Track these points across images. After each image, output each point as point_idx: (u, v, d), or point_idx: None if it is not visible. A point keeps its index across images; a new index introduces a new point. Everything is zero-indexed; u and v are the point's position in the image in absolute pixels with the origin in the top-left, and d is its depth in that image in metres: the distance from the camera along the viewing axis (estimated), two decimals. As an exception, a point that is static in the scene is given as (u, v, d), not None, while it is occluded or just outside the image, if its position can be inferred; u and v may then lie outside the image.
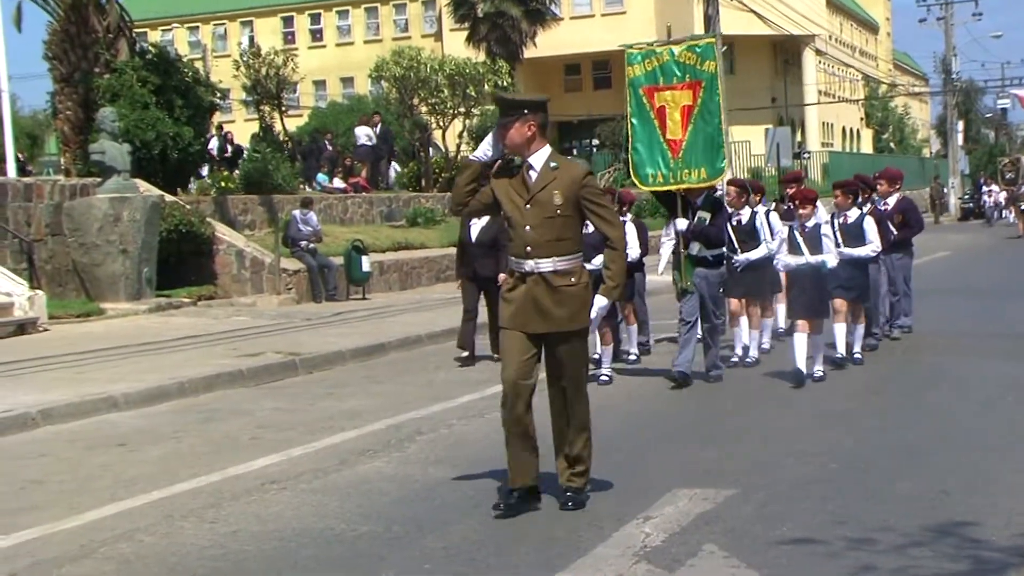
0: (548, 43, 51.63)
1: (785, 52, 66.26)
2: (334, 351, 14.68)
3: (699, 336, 12.56)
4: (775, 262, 12.86)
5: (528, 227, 7.39)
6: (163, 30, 68.45)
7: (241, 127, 49.58)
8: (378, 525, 7.31)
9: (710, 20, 35.72)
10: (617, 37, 60.83)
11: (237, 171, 29.78)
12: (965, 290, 21.92)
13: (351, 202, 30.03)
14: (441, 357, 14.53)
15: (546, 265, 7.38)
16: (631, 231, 13.37)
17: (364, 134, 33.88)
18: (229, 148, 35.03)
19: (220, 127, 36.08)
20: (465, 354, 14.32)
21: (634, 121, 12.64)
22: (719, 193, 13.67)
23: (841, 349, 12.91)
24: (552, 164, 7.48)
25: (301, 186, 30.42)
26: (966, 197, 60.63)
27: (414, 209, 30.98)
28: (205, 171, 30.52)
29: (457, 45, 47.99)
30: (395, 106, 36.28)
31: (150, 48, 29.34)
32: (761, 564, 6.23)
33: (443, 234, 28.56)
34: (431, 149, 36.85)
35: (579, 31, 61.24)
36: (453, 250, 16.57)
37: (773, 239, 13.46)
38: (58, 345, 15.85)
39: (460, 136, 36.28)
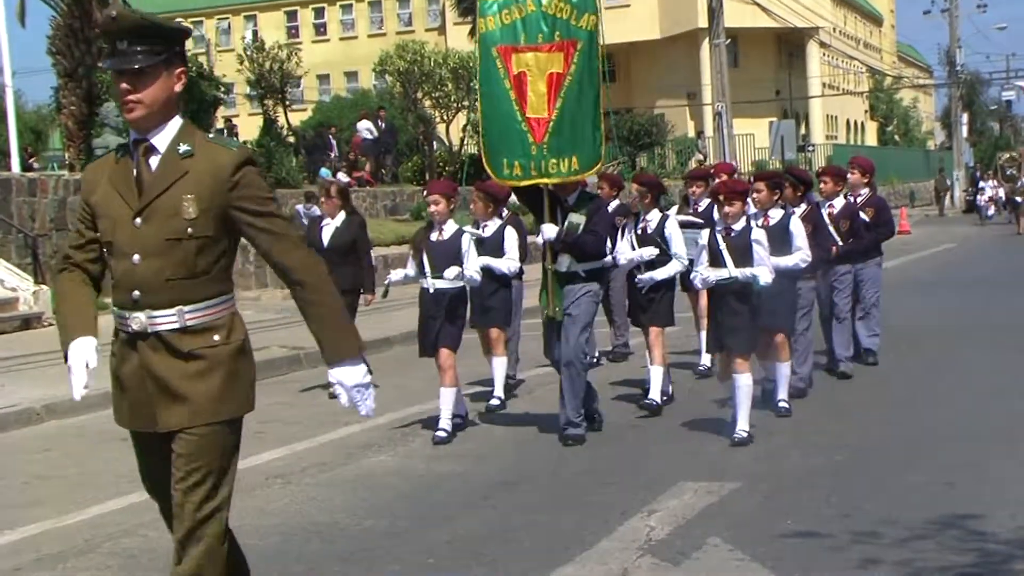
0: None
1: (789, 45, 66.18)
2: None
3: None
4: (692, 276, 9.77)
5: (137, 256, 4.41)
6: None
7: (245, 121, 49.56)
8: (383, 519, 7.31)
9: (714, 13, 35.63)
10: (621, 30, 60.94)
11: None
12: (971, 281, 21.89)
13: (355, 196, 29.98)
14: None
15: (166, 320, 4.43)
16: (510, 236, 11.04)
17: (365, 128, 33.87)
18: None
19: (228, 120, 36.12)
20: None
21: (483, 90, 9.67)
22: (594, 189, 11.43)
23: (783, 393, 10.23)
24: (182, 147, 4.44)
25: (305, 180, 30.41)
26: (971, 190, 60.56)
27: (418, 203, 30.95)
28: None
29: (461, 39, 47.92)
30: (399, 100, 36.25)
31: (153, 42, 29.28)
32: (766, 557, 6.22)
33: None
34: (435, 143, 36.83)
35: (582, 24, 61.11)
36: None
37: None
38: (62, 340, 15.82)
39: (464, 130, 36.25)
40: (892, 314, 15.86)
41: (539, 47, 9.30)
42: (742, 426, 9.02)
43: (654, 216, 10.87)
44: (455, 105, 35.18)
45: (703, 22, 45.08)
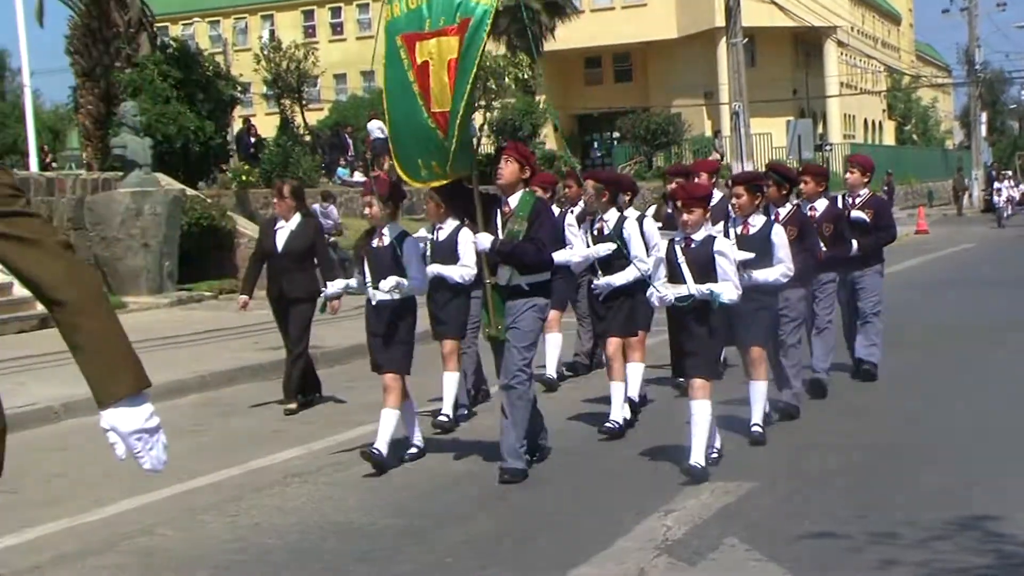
0: (568, 36, 51.58)
1: (806, 44, 66.03)
2: (354, 344, 14.64)
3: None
4: (648, 294, 8.54)
5: None
6: (184, 24, 68.53)
7: (262, 121, 49.56)
8: (399, 518, 7.31)
9: (731, 12, 35.56)
10: (638, 30, 61.04)
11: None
12: (989, 281, 21.80)
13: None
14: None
15: None
16: (464, 241, 9.97)
17: (377, 128, 33.91)
18: (251, 141, 35.13)
19: (247, 120, 36.17)
20: (293, 405, 11.18)
21: (387, 87, 8.59)
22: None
23: (758, 418, 9.17)
24: None
25: (322, 180, 30.45)
26: (989, 189, 60.31)
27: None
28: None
29: (477, 38, 47.89)
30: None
31: (171, 42, 29.42)
32: (783, 558, 6.20)
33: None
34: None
35: (600, 24, 61.11)
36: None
37: (650, 254, 9.59)
38: (80, 339, 15.86)
39: (480, 129, 36.27)
40: (909, 314, 15.82)
41: (443, 31, 8.14)
42: (696, 457, 7.93)
43: (611, 216, 9.85)
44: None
45: (720, 21, 44.98)
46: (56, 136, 49.85)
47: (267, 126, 39.97)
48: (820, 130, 61.18)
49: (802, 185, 10.99)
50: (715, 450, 8.38)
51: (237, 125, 34.83)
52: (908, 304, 16.83)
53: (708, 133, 54.86)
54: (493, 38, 45.56)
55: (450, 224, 10.10)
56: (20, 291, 18.04)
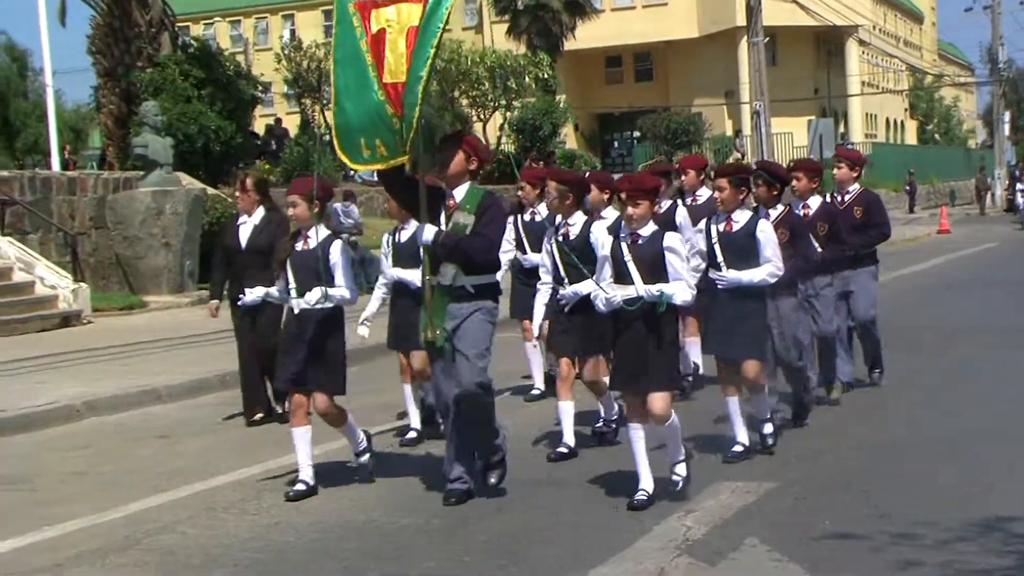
0: (589, 35, 51.50)
1: (828, 43, 65.78)
2: (374, 344, 14.64)
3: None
4: (592, 296, 7.67)
5: None
6: (205, 24, 68.64)
7: (283, 120, 49.74)
8: (419, 517, 7.31)
9: (752, 11, 35.49)
10: (659, 29, 60.91)
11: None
12: (1013, 281, 21.65)
13: (392, 194, 30.05)
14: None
15: None
16: None
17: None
18: (273, 141, 35.24)
19: (279, 120, 36.26)
20: (259, 415, 10.66)
21: (336, 56, 7.75)
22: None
23: (742, 437, 8.52)
24: None
25: (343, 179, 30.49)
26: (1011, 189, 59.96)
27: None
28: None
29: (498, 38, 47.92)
30: (436, 99, 36.33)
31: (192, 42, 29.57)
32: (803, 557, 6.18)
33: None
34: (472, 142, 36.85)
35: (620, 23, 60.99)
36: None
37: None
38: (102, 337, 15.95)
39: (501, 128, 36.32)
40: (929, 314, 15.75)
41: None
42: (644, 485, 7.31)
43: (577, 220, 8.89)
44: (492, 104, 35.21)
45: (741, 20, 44.82)
46: (78, 135, 50.08)
47: (288, 125, 40.06)
48: (841, 129, 60.96)
49: (794, 182, 10.12)
50: (680, 478, 7.57)
51: (268, 123, 34.92)
52: (928, 304, 16.77)
53: (729, 132, 54.74)
54: (513, 37, 45.67)
55: (414, 224, 8.45)
56: (42, 290, 18.14)
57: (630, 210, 7.43)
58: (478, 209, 7.54)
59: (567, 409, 8.84)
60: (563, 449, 8.78)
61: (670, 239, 7.46)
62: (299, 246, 8.10)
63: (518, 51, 39.42)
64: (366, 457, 8.34)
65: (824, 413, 9.97)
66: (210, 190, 23.04)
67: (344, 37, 7.60)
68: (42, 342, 15.80)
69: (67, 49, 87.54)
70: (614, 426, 9.16)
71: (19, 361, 13.79)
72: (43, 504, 8.06)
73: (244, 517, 7.47)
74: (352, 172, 32.06)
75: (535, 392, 11.24)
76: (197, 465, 9.03)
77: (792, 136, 48.60)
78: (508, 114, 36.03)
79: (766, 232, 8.49)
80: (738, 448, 8.46)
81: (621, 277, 7.42)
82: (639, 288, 7.30)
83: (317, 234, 8.03)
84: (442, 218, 7.59)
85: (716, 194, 8.72)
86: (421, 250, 7.69)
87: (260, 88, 29.54)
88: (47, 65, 25.18)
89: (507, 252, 10.14)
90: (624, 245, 7.46)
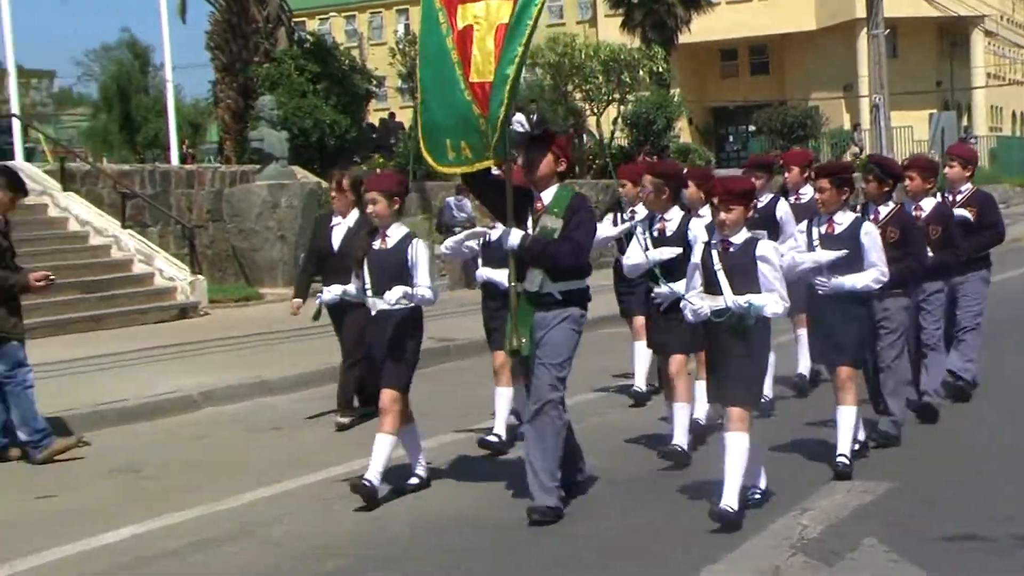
0: (704, 28, 51.01)
1: (951, 34, 64.40)
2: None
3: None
4: (681, 306, 7.37)
5: None
6: (320, 19, 69.51)
7: (396, 115, 50.13)
8: (524, 514, 7.25)
9: (872, 3, 34.86)
10: (775, 22, 60.15)
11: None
12: None
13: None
14: (601, 344, 14.27)
15: None
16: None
17: (517, 121, 33.89)
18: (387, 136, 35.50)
19: (392, 115, 36.54)
20: (346, 420, 10.34)
21: (422, 53, 7.55)
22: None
23: (844, 447, 7.88)
24: None
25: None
26: None
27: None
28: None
29: (612, 31, 47.69)
30: (549, 93, 36.27)
31: (308, 37, 29.92)
32: (924, 559, 6.03)
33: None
34: (585, 136, 36.76)
35: (736, 15, 60.38)
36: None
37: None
38: (218, 329, 16.19)
39: (614, 122, 36.13)
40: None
41: None
42: (728, 499, 6.80)
43: (674, 215, 8.54)
44: (606, 98, 35.05)
45: (861, 12, 44.09)
46: (196, 130, 50.92)
47: (401, 119, 40.32)
48: (964, 123, 59.71)
49: (907, 182, 9.62)
50: (756, 490, 7.27)
51: (382, 117, 35.18)
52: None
53: (847, 127, 53.89)
54: (627, 30, 45.45)
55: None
56: (161, 281, 18.47)
57: (722, 215, 7.04)
58: (566, 212, 7.19)
59: (681, 410, 8.46)
60: (677, 447, 8.37)
61: (763, 247, 7.03)
62: (376, 244, 7.84)
63: (632, 45, 39.15)
64: (413, 481, 7.95)
65: (942, 414, 9.71)
66: (325, 184, 23.26)
67: (430, 34, 7.35)
68: (160, 333, 16.09)
69: (186, 45, 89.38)
70: (685, 446, 8.44)
71: (139, 351, 14.06)
72: (162, 492, 8.19)
73: (356, 509, 7.48)
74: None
75: (636, 390, 10.79)
76: (309, 456, 9.10)
77: (912, 130, 47.69)
78: (622, 108, 35.80)
79: (871, 235, 8.08)
80: (843, 459, 7.84)
81: (710, 286, 7.06)
82: (728, 299, 6.94)
83: (395, 232, 7.83)
84: (528, 221, 7.25)
85: (816, 195, 8.32)
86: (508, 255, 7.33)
87: (374, 82, 29.75)
88: (167, 61, 25.62)
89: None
90: (715, 252, 7.08)
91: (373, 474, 7.53)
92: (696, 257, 7.21)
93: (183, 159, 31.14)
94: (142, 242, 19.12)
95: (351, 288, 7.99)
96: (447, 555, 6.50)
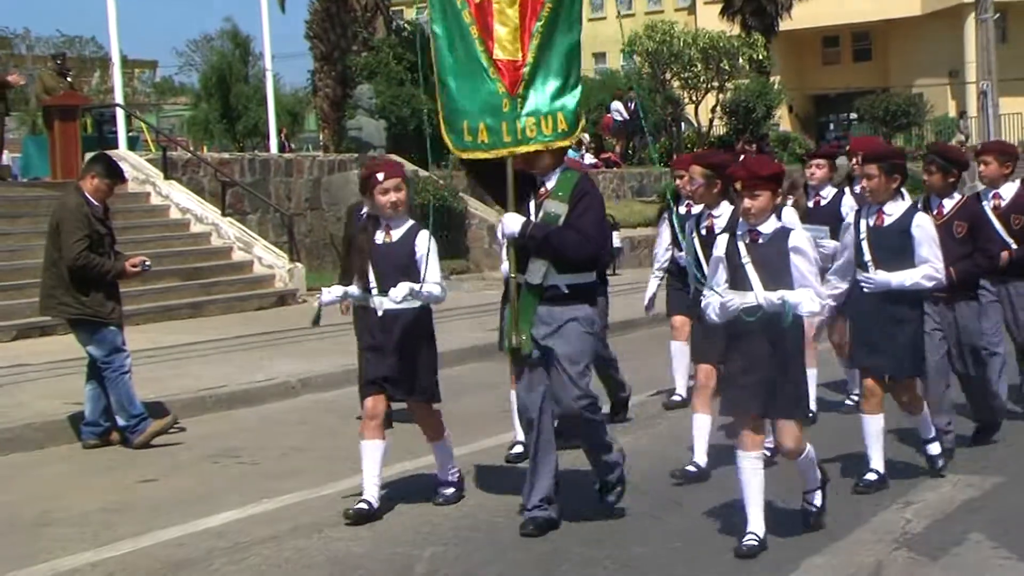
0: (805, 14, 50.33)
1: (1065, 18, 62.96)
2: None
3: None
4: (704, 305, 6.50)
5: None
6: (418, 8, 69.76)
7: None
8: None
9: (978, -13, 34.19)
10: (878, 8, 59.18)
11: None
12: None
13: (602, 177, 30.00)
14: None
15: None
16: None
17: (616, 109, 33.81)
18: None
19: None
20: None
21: (435, 30, 6.81)
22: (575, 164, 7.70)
23: (876, 463, 7.34)
24: None
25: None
26: None
27: (665, 185, 30.72)
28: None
29: (711, 18, 47.32)
30: (647, 81, 36.08)
31: (405, 25, 30.03)
32: (1034, 557, 5.88)
33: (694, 209, 28.29)
34: (683, 124, 36.51)
35: (838, 1, 59.54)
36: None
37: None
38: (317, 316, 16.29)
39: (713, 111, 35.87)
40: None
41: None
42: (753, 526, 6.19)
43: (723, 211, 7.87)
44: (704, 86, 34.78)
45: (967, -2, 43.32)
46: (294, 119, 51.32)
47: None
48: (1076, 109, 58.26)
49: (982, 167, 8.82)
50: (814, 508, 6.62)
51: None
52: None
53: (952, 114, 52.91)
54: (726, 18, 45.02)
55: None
56: (260, 269, 18.66)
57: (747, 202, 6.23)
58: (572, 196, 6.57)
59: (702, 424, 7.80)
60: (691, 468, 7.70)
61: (796, 238, 6.26)
62: (380, 238, 7.11)
63: (731, 32, 38.81)
64: (450, 491, 7.41)
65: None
66: (422, 172, 23.34)
67: (443, 9, 6.76)
68: (259, 320, 16.26)
69: (286, 35, 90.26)
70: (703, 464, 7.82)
71: (238, 338, 14.22)
72: (263, 477, 8.26)
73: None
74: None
75: (676, 399, 10.30)
76: (406, 444, 9.10)
77: (1022, 117, 46.71)
78: (720, 96, 35.54)
79: (923, 227, 7.29)
80: (871, 476, 7.29)
81: (737, 282, 6.25)
82: (759, 295, 6.14)
83: (400, 224, 7.12)
84: (532, 207, 6.68)
85: (864, 182, 7.63)
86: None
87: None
88: (267, 50, 25.83)
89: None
90: (742, 245, 6.27)
91: (371, 494, 7.03)
92: (719, 250, 6.38)
93: (282, 148, 31.45)
94: (242, 230, 19.34)
95: (353, 288, 7.24)
96: (548, 544, 6.46)
